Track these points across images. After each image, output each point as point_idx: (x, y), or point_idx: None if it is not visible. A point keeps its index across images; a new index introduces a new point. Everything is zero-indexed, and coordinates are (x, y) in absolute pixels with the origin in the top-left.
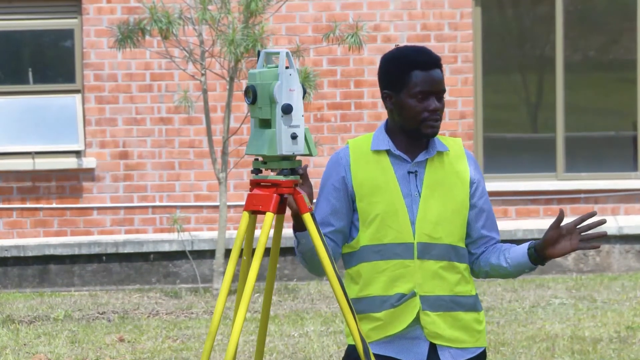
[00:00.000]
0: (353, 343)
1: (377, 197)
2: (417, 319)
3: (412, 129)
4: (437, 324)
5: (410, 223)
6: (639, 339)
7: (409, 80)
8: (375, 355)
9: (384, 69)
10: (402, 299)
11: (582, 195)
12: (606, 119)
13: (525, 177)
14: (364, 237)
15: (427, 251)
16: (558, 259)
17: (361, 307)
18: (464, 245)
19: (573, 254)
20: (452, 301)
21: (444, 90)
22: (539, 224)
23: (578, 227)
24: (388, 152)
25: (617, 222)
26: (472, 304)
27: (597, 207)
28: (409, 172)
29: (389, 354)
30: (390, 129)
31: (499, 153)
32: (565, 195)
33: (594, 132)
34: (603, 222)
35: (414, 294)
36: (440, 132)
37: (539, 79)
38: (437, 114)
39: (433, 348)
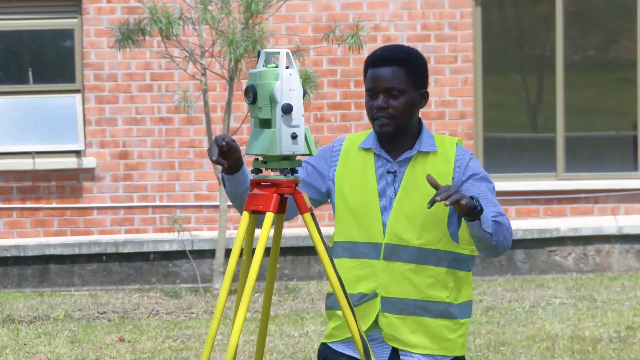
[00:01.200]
0: (326, 341)
1: (354, 194)
2: (377, 321)
3: (372, 126)
4: (394, 327)
5: (381, 223)
6: (639, 339)
7: (365, 78)
8: (339, 353)
9: None
10: (362, 298)
11: (582, 195)
12: (606, 119)
13: (525, 177)
14: (337, 233)
15: (395, 253)
16: (558, 259)
17: (328, 303)
18: (443, 248)
19: (573, 254)
20: (418, 305)
21: (393, 88)
22: (539, 223)
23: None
24: (372, 150)
25: (617, 222)
26: (443, 310)
27: (597, 207)
28: (387, 172)
29: (352, 354)
30: None
31: (499, 153)
32: (565, 195)
33: (594, 132)
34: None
35: (375, 295)
36: (440, 132)
37: (539, 79)
38: (385, 112)
39: (396, 352)
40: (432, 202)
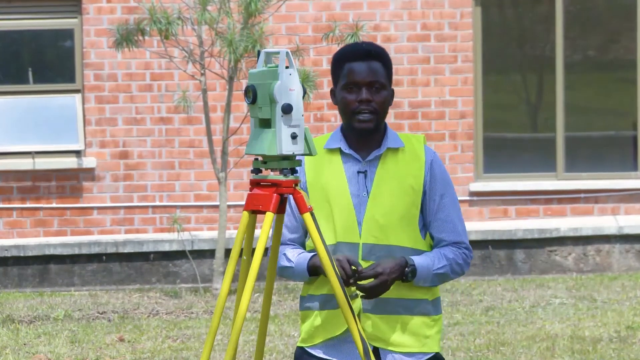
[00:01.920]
0: (302, 345)
1: (327, 197)
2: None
3: (347, 123)
4: (377, 327)
5: (357, 223)
6: (639, 339)
7: (341, 72)
8: (319, 358)
9: (331, 65)
10: None
11: (582, 195)
12: (606, 119)
13: (525, 177)
14: None
15: (373, 252)
16: (558, 259)
17: (307, 305)
18: (417, 247)
19: (573, 254)
20: (398, 304)
21: (377, 82)
22: (539, 223)
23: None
24: (340, 150)
25: (617, 222)
26: (422, 308)
27: (597, 207)
28: (358, 172)
29: (332, 357)
30: (343, 126)
31: (499, 153)
32: (565, 195)
33: (594, 132)
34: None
35: (356, 295)
36: (440, 132)
37: (539, 79)
38: (369, 106)
39: (377, 352)
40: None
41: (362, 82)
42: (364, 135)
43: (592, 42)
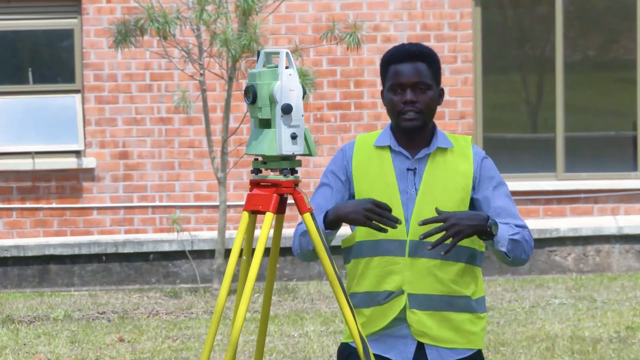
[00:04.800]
0: (347, 341)
1: (375, 193)
2: (404, 317)
3: (394, 123)
4: (423, 323)
5: (404, 220)
6: (639, 339)
7: (387, 75)
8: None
9: (379, 68)
10: (389, 296)
11: (582, 195)
12: (606, 119)
13: (525, 177)
14: (360, 233)
15: (420, 249)
16: (558, 259)
17: (353, 302)
18: (463, 244)
19: (573, 254)
20: (443, 300)
21: (421, 83)
22: (539, 224)
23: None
24: (390, 148)
25: (617, 222)
26: (466, 305)
27: (597, 207)
28: (407, 169)
29: (376, 351)
30: (392, 126)
31: (499, 153)
32: (565, 195)
33: (594, 132)
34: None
35: (401, 292)
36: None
37: (539, 79)
38: (414, 106)
39: (421, 347)
40: (443, 246)
41: (406, 84)
42: (412, 133)
43: (592, 42)
